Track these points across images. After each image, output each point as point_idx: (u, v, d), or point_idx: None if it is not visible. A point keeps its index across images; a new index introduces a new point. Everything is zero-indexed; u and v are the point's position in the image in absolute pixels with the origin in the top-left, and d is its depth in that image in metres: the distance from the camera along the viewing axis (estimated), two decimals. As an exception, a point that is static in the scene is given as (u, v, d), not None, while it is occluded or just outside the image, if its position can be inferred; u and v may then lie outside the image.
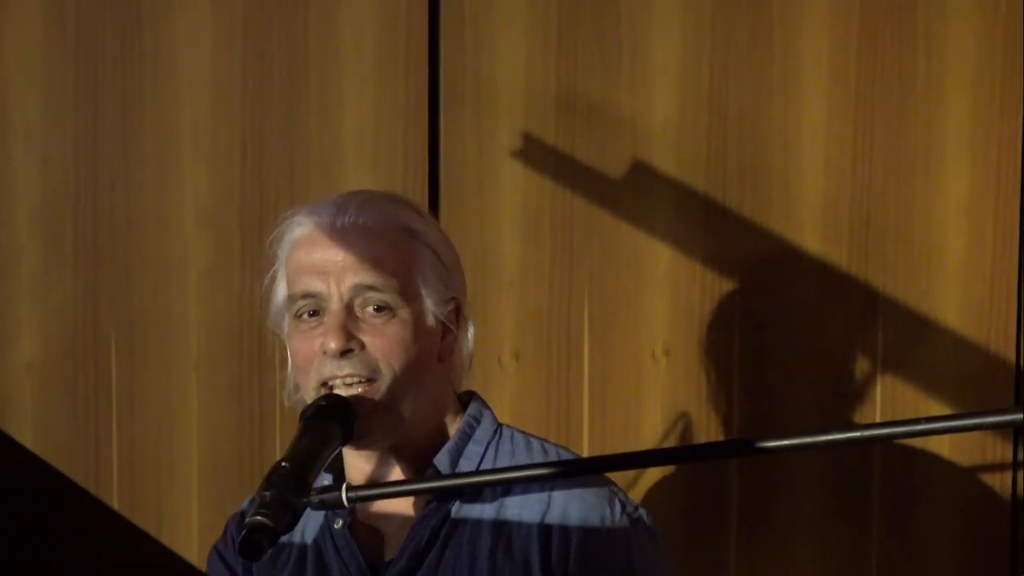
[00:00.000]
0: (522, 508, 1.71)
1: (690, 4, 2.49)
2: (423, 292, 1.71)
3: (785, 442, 1.58)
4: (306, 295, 1.69)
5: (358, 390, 1.65)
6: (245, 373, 2.46)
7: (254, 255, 2.40)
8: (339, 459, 1.75)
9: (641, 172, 2.49)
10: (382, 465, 1.74)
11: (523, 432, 1.82)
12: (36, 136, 2.43)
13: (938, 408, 2.49)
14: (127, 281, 2.45)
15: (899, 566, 2.57)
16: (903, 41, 2.52)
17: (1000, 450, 2.56)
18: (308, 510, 1.56)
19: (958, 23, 2.50)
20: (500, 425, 1.81)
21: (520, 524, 1.69)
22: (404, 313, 1.68)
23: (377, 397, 1.66)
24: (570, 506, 1.71)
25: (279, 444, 2.43)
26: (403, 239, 1.72)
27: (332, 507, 1.53)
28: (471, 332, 1.81)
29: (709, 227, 2.50)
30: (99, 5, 2.43)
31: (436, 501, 1.71)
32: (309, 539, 1.77)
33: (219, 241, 2.45)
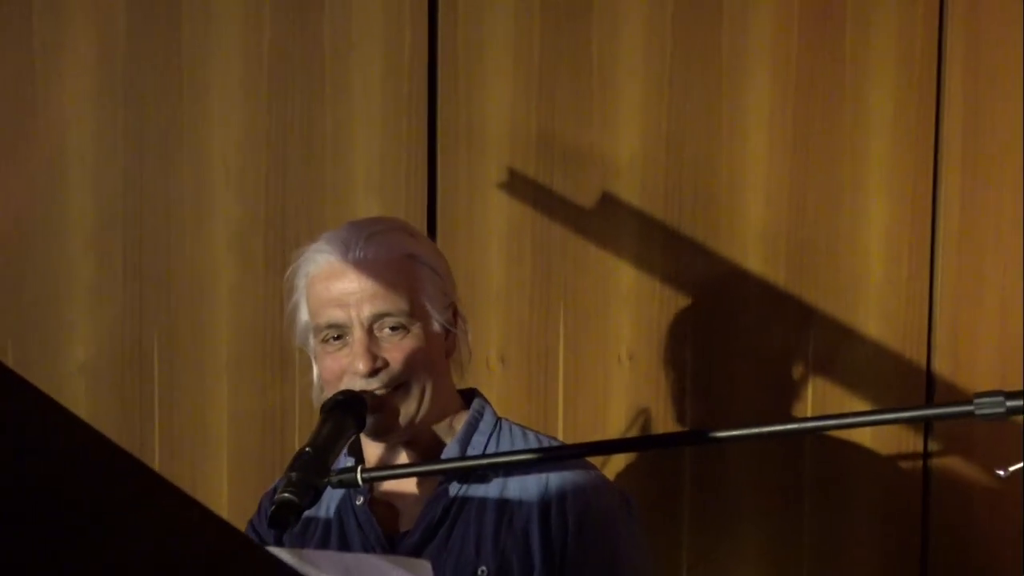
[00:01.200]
0: (522, 489, 1.78)
1: (651, 57, 2.55)
2: (428, 307, 1.79)
3: (731, 433, 1.79)
4: (330, 325, 1.76)
5: (383, 393, 1.75)
6: (268, 373, 2.48)
7: (276, 272, 2.37)
8: (359, 446, 1.84)
9: (608, 202, 2.55)
10: (397, 453, 1.83)
11: (519, 424, 1.91)
12: (89, 169, 2.42)
13: (860, 405, 2.62)
14: (167, 295, 2.46)
15: (826, 540, 2.64)
16: (832, 92, 2.60)
17: (912, 441, 2.65)
18: (329, 489, 1.66)
19: (879, 78, 2.59)
20: (499, 419, 1.89)
21: (521, 503, 1.76)
22: (416, 328, 1.77)
23: (388, 395, 1.75)
24: (566, 487, 1.78)
25: (297, 434, 2.46)
26: (407, 265, 1.80)
27: (349, 486, 1.64)
28: (468, 327, 1.91)
29: (666, 250, 2.58)
30: (143, 57, 2.43)
31: (446, 483, 1.79)
32: (332, 514, 1.83)
33: (246, 260, 2.46)
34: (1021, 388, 1.42)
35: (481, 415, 1.87)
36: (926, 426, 2.65)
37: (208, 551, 0.63)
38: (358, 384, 1.73)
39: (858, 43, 2.60)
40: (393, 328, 1.75)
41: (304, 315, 1.82)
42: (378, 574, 1.53)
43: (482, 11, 2.52)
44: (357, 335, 1.74)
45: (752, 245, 2.61)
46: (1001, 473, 1.50)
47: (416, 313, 1.77)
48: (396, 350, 1.75)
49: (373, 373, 1.73)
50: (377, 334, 1.75)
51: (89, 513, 0.60)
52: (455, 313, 1.86)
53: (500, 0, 2.52)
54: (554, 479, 1.79)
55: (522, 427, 1.90)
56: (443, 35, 2.51)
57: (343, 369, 1.75)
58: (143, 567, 0.59)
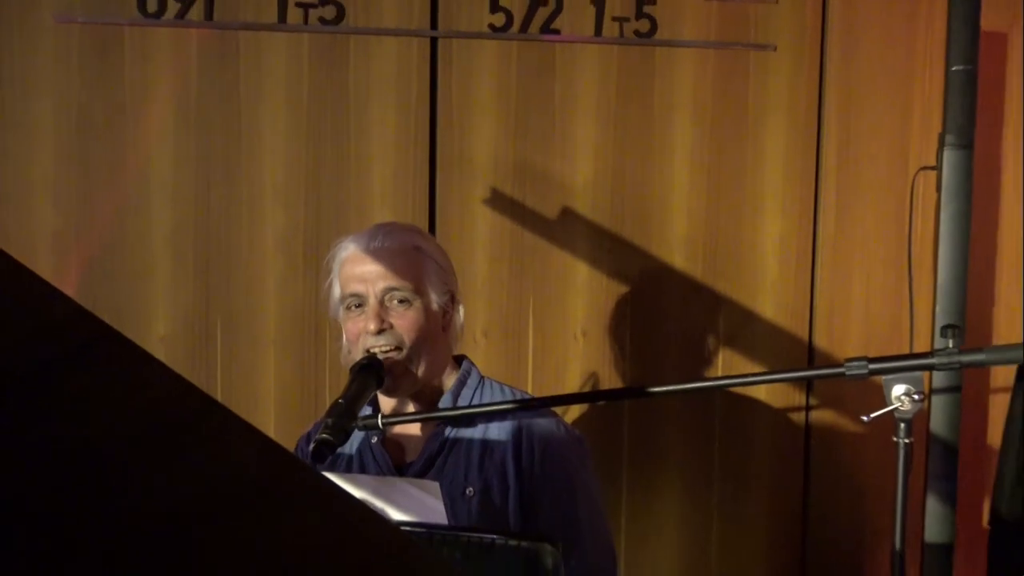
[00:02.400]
0: (500, 430, 1.79)
1: (601, 105, 2.57)
2: (429, 289, 1.80)
3: (660, 389, 1.85)
4: (353, 295, 1.78)
5: (390, 355, 1.74)
6: (305, 346, 2.50)
7: (312, 268, 2.43)
8: (376, 401, 1.85)
9: (567, 215, 2.57)
10: (405, 404, 1.85)
11: (498, 382, 1.91)
12: (168, 185, 2.44)
13: (758, 369, 2.64)
14: (227, 285, 2.48)
15: (732, 471, 2.67)
16: (738, 133, 2.60)
17: (797, 397, 2.69)
18: (356, 432, 1.71)
19: (774, 123, 2.61)
20: (483, 377, 1.89)
21: (498, 441, 1.78)
22: (418, 303, 1.78)
23: (400, 358, 1.75)
24: (534, 429, 1.80)
25: (328, 392, 2.48)
26: (414, 254, 1.81)
27: (371, 429, 1.69)
28: (462, 310, 1.89)
29: (611, 252, 2.60)
30: (210, 100, 2.44)
31: (442, 426, 1.80)
32: (354, 451, 1.84)
33: (288, 258, 2.49)
34: (880, 356, 1.53)
35: (469, 375, 1.87)
36: (808, 384, 2.68)
37: (270, 469, 0.59)
38: (370, 342, 1.74)
39: (758, 95, 2.62)
40: (400, 301, 1.76)
41: (337, 290, 1.82)
42: (397, 489, 1.59)
43: (471, 67, 2.53)
44: (371, 303, 1.76)
45: (676, 248, 2.64)
46: (865, 419, 1.51)
47: (419, 291, 1.78)
48: (400, 318, 1.76)
49: (380, 332, 1.74)
50: (387, 304, 1.76)
51: (185, 425, 0.57)
52: (453, 299, 1.86)
53: (485, 59, 2.53)
54: (524, 423, 1.81)
55: (500, 383, 1.91)
56: (441, 85, 2.52)
57: (360, 330, 1.75)
58: (218, 476, 0.56)
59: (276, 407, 2.52)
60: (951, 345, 1.49)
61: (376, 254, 1.78)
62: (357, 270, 1.79)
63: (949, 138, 2.33)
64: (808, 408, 2.71)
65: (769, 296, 2.68)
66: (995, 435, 2.59)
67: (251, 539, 0.54)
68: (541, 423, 1.83)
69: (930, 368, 1.51)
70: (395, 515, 1.49)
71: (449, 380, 1.87)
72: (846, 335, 2.68)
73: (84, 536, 0.48)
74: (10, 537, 0.46)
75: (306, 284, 2.47)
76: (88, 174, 2.43)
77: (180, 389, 0.58)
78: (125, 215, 2.46)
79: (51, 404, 0.54)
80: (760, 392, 2.69)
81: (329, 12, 2.46)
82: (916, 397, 1.47)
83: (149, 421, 0.57)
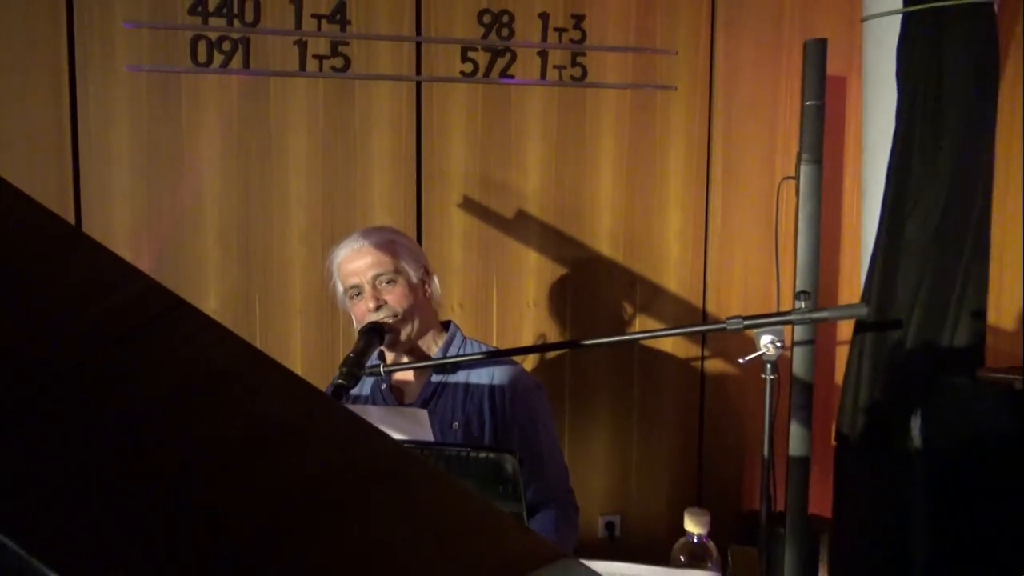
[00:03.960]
0: (479, 378, 1.77)
1: (547, 131, 2.55)
2: (406, 267, 1.75)
3: (592, 342, 1.87)
4: (352, 287, 1.75)
5: (389, 321, 1.71)
6: (324, 316, 2.47)
7: (327, 256, 2.33)
8: (382, 357, 1.82)
9: (522, 216, 2.57)
10: (402, 358, 1.81)
11: (476, 339, 1.88)
12: (216, 193, 2.41)
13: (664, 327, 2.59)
14: (264, 270, 2.45)
15: (646, 406, 2.68)
16: (650, 151, 2.60)
17: (694, 348, 2.70)
18: (367, 379, 1.76)
19: (676, 142, 2.59)
20: (465, 337, 1.86)
21: (478, 385, 1.75)
22: (401, 280, 1.74)
23: (396, 322, 1.72)
24: (504, 375, 1.77)
25: (341, 351, 2.45)
26: (389, 245, 1.76)
27: (375, 375, 1.68)
28: (436, 280, 1.84)
29: (555, 243, 2.60)
30: (248, 130, 2.40)
31: (433, 374, 1.77)
32: (368, 393, 1.82)
33: (310, 249, 2.46)
34: (752, 315, 1.54)
35: (455, 335, 1.84)
36: (702, 339, 2.71)
37: (311, 407, 0.57)
38: (372, 317, 1.71)
39: (664, 124, 2.62)
40: (388, 281, 1.73)
41: (339, 287, 1.78)
42: (396, 416, 1.58)
43: (447, 104, 2.50)
44: (367, 289, 1.73)
45: (603, 239, 2.63)
46: (741, 361, 1.52)
47: (399, 271, 1.74)
48: (390, 294, 1.73)
49: (378, 308, 1.72)
50: (378, 287, 1.73)
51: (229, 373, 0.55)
52: (427, 271, 1.81)
53: (458, 98, 2.50)
54: (496, 370, 1.77)
55: (479, 341, 1.88)
56: (425, 118, 2.50)
57: (364, 311, 1.73)
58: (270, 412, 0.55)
59: (303, 362, 2.49)
60: (804, 306, 1.53)
61: (361, 252, 1.75)
62: (350, 267, 1.76)
63: (804, 155, 2.35)
64: (703, 358, 2.73)
65: (672, 274, 2.68)
66: (840, 376, 2.61)
67: (307, 442, 0.55)
68: (509, 370, 1.79)
69: (789, 322, 1.51)
70: (395, 435, 1.46)
71: (440, 339, 1.83)
72: (729, 302, 2.71)
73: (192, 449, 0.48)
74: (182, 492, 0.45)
75: (323, 269, 2.32)
76: (155, 187, 2.40)
77: (236, 342, 0.58)
78: (184, 218, 2.43)
79: (148, 352, 0.54)
80: (667, 345, 2.71)
81: (339, 62, 2.44)
82: (778, 344, 1.50)
83: (214, 364, 0.57)
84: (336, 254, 1.79)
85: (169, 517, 0.44)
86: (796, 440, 2.39)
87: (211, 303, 2.44)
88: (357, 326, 1.75)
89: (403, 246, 1.79)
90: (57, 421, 0.47)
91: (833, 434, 2.56)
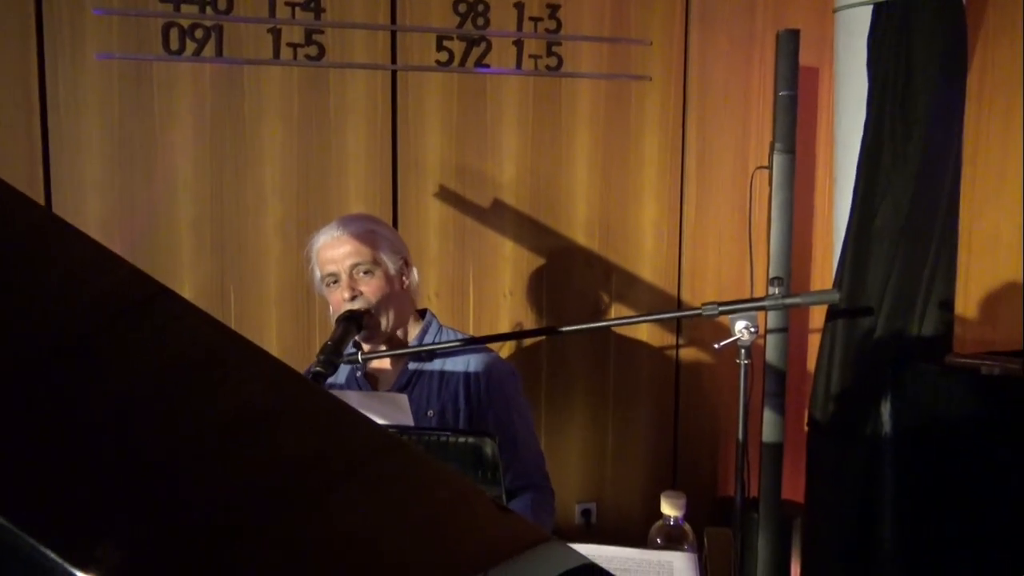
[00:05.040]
0: (454, 365, 1.76)
1: (522, 121, 2.54)
2: (385, 259, 1.73)
3: (567, 328, 1.83)
4: (329, 274, 1.73)
5: (365, 310, 1.68)
6: (299, 306, 2.45)
7: (304, 247, 2.14)
8: (359, 346, 1.79)
9: (497, 205, 2.56)
10: (379, 347, 1.79)
11: (451, 327, 1.88)
12: (190, 185, 2.37)
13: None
14: (239, 260, 2.42)
15: (622, 391, 2.68)
16: (623, 145, 2.60)
17: (670, 336, 2.71)
18: (344, 367, 1.75)
19: (650, 135, 2.61)
20: (441, 325, 1.86)
21: (453, 372, 1.75)
22: (378, 271, 1.72)
23: (369, 313, 1.70)
24: (479, 363, 1.77)
25: (316, 342, 2.43)
26: (369, 235, 1.74)
27: (353, 363, 1.68)
28: (415, 271, 1.82)
29: (531, 232, 2.59)
30: (222, 119, 2.37)
31: (409, 361, 1.77)
32: (344, 381, 1.81)
33: (285, 240, 2.43)
34: (726, 300, 1.55)
35: (431, 323, 1.84)
36: (677, 326, 2.71)
37: (290, 391, 0.58)
38: (348, 306, 1.69)
39: (638, 114, 2.62)
40: (365, 272, 1.71)
41: (317, 273, 1.77)
42: (376, 401, 1.59)
43: (422, 93, 2.49)
44: (343, 278, 1.71)
45: (579, 229, 2.64)
46: (716, 346, 1.54)
47: (377, 262, 1.72)
48: (366, 285, 1.71)
49: (353, 298, 1.70)
50: (355, 276, 1.71)
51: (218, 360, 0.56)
52: (406, 263, 1.80)
53: (433, 87, 2.49)
54: (471, 358, 1.77)
55: (455, 329, 1.88)
56: (400, 107, 2.48)
57: (339, 300, 1.71)
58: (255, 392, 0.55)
59: (278, 353, 2.38)
60: (777, 292, 1.55)
61: (340, 240, 1.73)
62: (328, 254, 1.74)
63: (777, 145, 2.37)
64: (678, 346, 2.74)
65: (647, 263, 2.69)
66: (812, 363, 2.63)
67: (291, 425, 0.56)
68: (483, 357, 1.78)
69: (762, 308, 1.53)
70: (376, 419, 1.48)
71: (416, 328, 1.82)
72: (704, 290, 2.72)
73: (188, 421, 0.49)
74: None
75: (299, 259, 2.31)
76: (127, 177, 2.37)
77: (218, 328, 0.60)
78: (157, 208, 2.40)
79: (132, 337, 0.55)
80: (642, 333, 2.71)
81: (313, 51, 2.42)
82: (752, 330, 1.52)
83: (198, 348, 0.58)
84: (316, 240, 1.77)
85: (155, 497, 0.45)
86: (769, 426, 2.41)
87: (185, 294, 2.30)
88: (333, 314, 1.74)
89: (383, 236, 1.77)
90: (45, 404, 0.48)
91: (806, 420, 2.58)
